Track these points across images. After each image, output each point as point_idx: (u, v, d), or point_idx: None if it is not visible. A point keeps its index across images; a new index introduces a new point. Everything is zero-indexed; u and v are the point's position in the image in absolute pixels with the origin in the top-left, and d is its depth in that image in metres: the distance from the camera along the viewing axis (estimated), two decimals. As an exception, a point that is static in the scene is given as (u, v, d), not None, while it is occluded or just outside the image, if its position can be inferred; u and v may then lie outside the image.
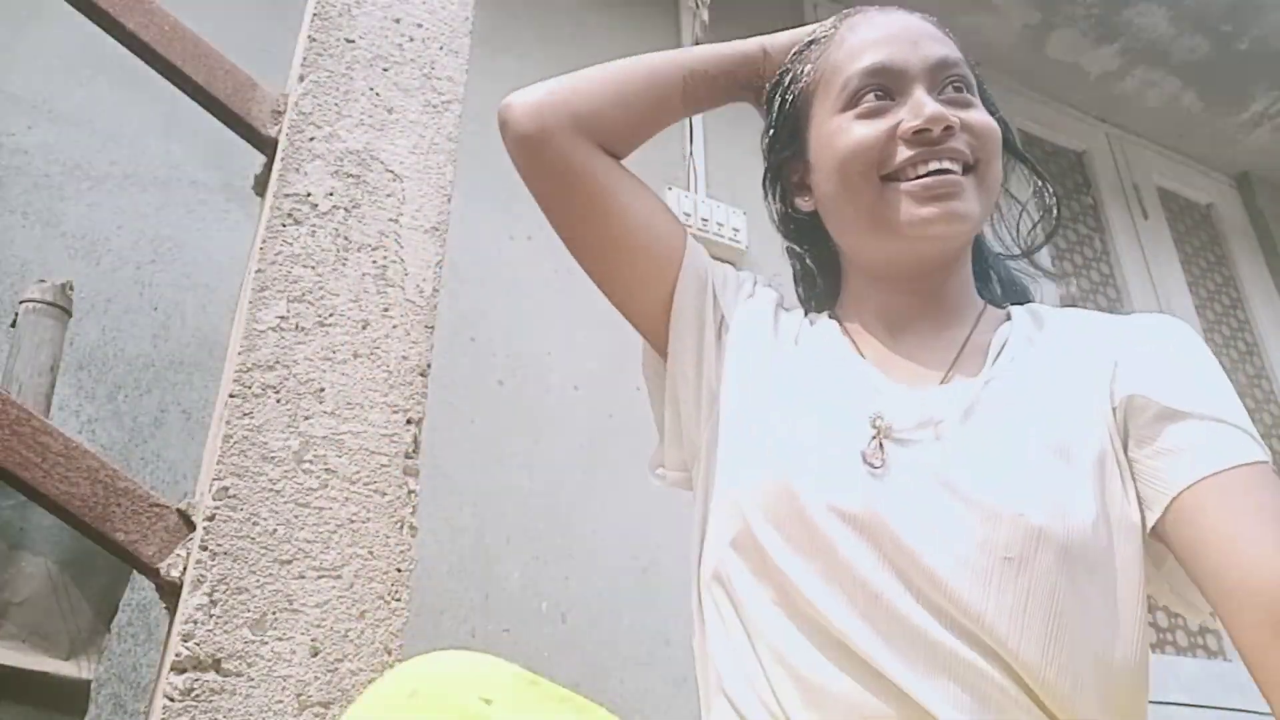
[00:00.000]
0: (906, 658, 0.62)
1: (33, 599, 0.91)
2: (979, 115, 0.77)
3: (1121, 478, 0.68)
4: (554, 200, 0.83)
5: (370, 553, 0.76)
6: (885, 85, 0.77)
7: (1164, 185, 3.18)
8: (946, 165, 0.74)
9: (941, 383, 0.74)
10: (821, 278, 0.89)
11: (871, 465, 0.67)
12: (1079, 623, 0.63)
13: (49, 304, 1.07)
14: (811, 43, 0.85)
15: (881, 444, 0.69)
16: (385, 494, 0.79)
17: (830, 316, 0.85)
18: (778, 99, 0.85)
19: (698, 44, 2.28)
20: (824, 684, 0.63)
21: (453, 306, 1.72)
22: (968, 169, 0.75)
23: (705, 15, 2.26)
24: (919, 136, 0.74)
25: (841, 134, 0.77)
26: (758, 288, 0.85)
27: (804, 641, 0.65)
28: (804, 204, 0.85)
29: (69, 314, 1.11)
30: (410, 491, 0.80)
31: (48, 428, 0.71)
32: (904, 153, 0.74)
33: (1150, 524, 0.67)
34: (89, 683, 0.93)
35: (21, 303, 1.08)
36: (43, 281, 1.10)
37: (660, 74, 0.85)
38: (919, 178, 0.74)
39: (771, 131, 0.86)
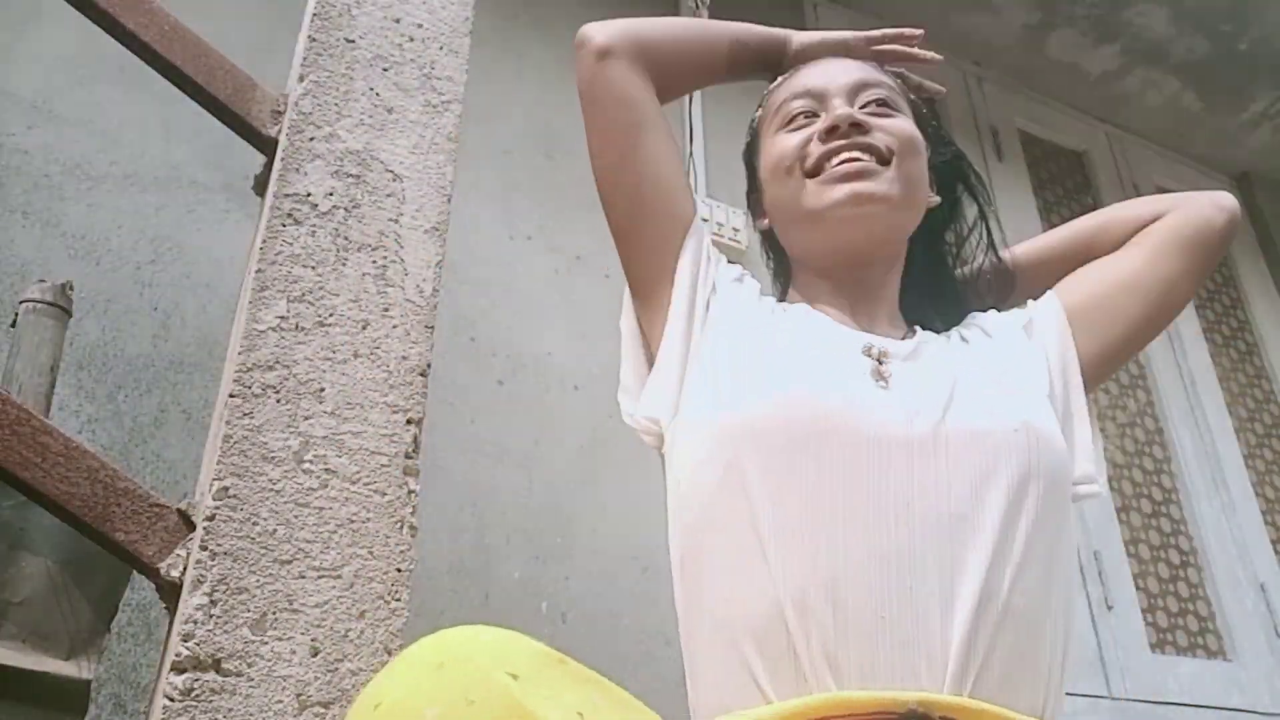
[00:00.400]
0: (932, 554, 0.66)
1: (33, 599, 0.91)
2: (897, 122, 0.85)
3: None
4: (610, 124, 0.91)
5: (370, 553, 0.76)
6: (810, 105, 0.87)
7: (1164, 185, 3.17)
8: (857, 155, 0.82)
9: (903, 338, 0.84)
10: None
11: (882, 379, 0.75)
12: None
13: (49, 304, 1.07)
14: (769, 90, 0.95)
15: (881, 362, 0.77)
16: (385, 494, 0.79)
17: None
18: (745, 142, 0.97)
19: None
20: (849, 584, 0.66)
21: (453, 306, 1.72)
22: (884, 161, 0.82)
23: (705, 16, 2.26)
24: (830, 134, 0.83)
25: (773, 147, 0.88)
26: (738, 269, 0.93)
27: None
28: (760, 225, 0.95)
29: (69, 314, 1.11)
30: (410, 491, 0.80)
31: (48, 428, 0.71)
32: (818, 149, 0.83)
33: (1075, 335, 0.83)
34: (89, 683, 0.93)
35: (21, 303, 1.08)
36: (43, 281, 1.10)
37: (713, 34, 0.95)
38: (833, 167, 0.82)
39: (746, 172, 0.97)
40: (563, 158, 2.08)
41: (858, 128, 0.83)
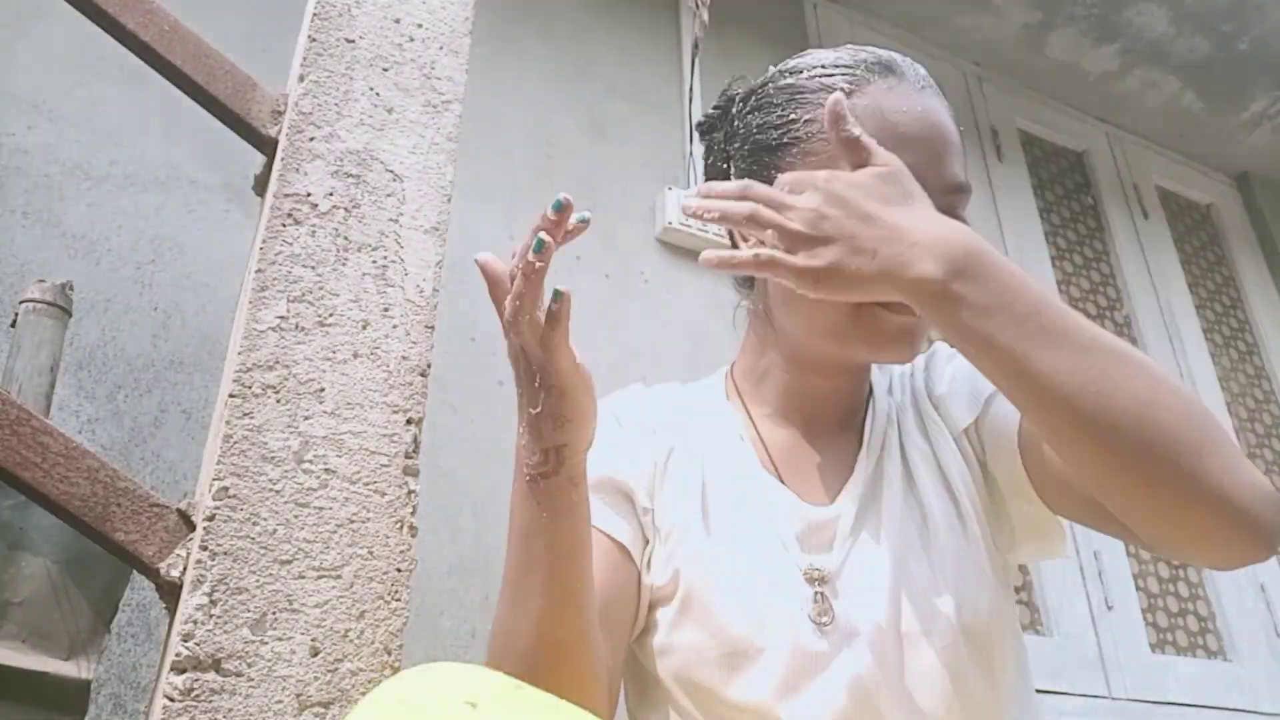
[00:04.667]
0: None
1: (33, 599, 0.91)
2: None
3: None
4: None
5: (370, 553, 0.76)
6: None
7: (1164, 185, 3.18)
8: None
9: (846, 484, 0.79)
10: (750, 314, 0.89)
11: (820, 624, 0.71)
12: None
13: (49, 304, 1.07)
14: (815, 85, 0.78)
15: (821, 590, 0.73)
16: (385, 494, 0.79)
17: (728, 381, 0.88)
18: (749, 113, 0.81)
19: (697, 44, 2.29)
20: None
21: (453, 306, 1.71)
22: None
23: (705, 15, 2.26)
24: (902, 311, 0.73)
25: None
26: (631, 435, 0.82)
27: None
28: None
29: (69, 314, 1.11)
30: (410, 491, 0.80)
31: (48, 428, 0.71)
32: (876, 310, 0.73)
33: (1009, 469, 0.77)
34: (89, 683, 0.93)
35: (21, 303, 1.08)
36: (43, 281, 1.10)
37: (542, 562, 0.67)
38: (893, 311, 0.72)
39: (726, 140, 0.85)
40: (562, 158, 2.08)
41: None
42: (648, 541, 0.78)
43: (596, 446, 0.68)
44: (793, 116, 0.77)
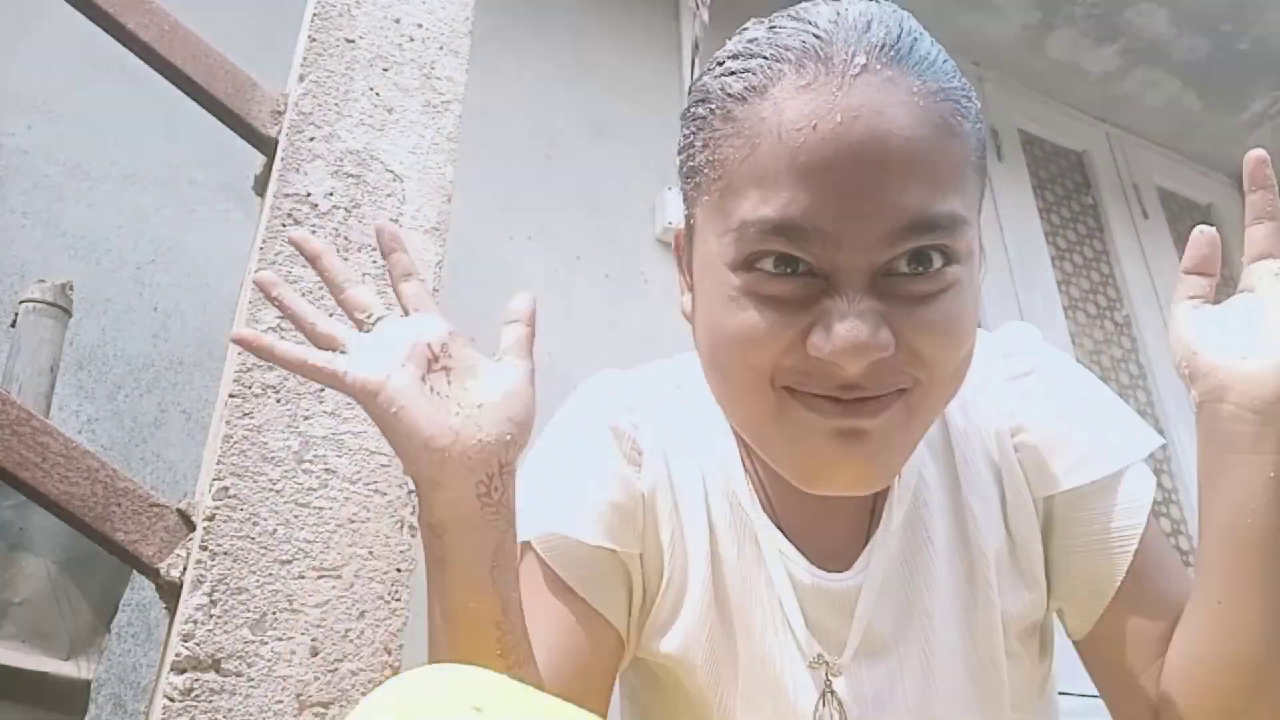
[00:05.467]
0: None
1: (33, 599, 0.91)
2: (938, 310, 0.53)
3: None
4: None
5: (370, 553, 0.76)
6: (795, 246, 0.52)
7: (1164, 185, 3.18)
8: (859, 396, 0.53)
9: (868, 545, 0.66)
10: None
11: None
12: None
13: (49, 304, 1.07)
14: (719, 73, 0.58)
15: (831, 683, 0.64)
16: (385, 494, 0.79)
17: (734, 441, 0.71)
18: (681, 133, 0.62)
19: (697, 44, 2.28)
20: None
21: (453, 306, 1.71)
22: (903, 389, 0.54)
23: (705, 15, 2.25)
24: (826, 368, 0.52)
25: (725, 315, 0.55)
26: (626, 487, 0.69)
27: None
28: (684, 308, 0.65)
29: (69, 314, 1.11)
30: (410, 491, 0.80)
31: (48, 428, 0.71)
32: (809, 369, 0.53)
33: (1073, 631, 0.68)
34: (89, 683, 0.92)
35: (21, 303, 1.08)
36: (43, 281, 1.10)
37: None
38: (827, 397, 0.54)
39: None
40: (562, 158, 2.08)
41: (875, 365, 0.52)
42: (634, 609, 0.70)
43: (595, 504, 0.65)
44: (695, 138, 0.58)
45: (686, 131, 0.60)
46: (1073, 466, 0.65)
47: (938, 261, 0.53)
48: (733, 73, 0.55)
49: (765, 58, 0.54)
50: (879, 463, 0.55)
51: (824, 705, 0.64)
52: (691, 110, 0.59)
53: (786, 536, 0.67)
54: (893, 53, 0.52)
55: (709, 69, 0.59)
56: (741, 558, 0.67)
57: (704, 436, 0.71)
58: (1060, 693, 0.74)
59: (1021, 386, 0.69)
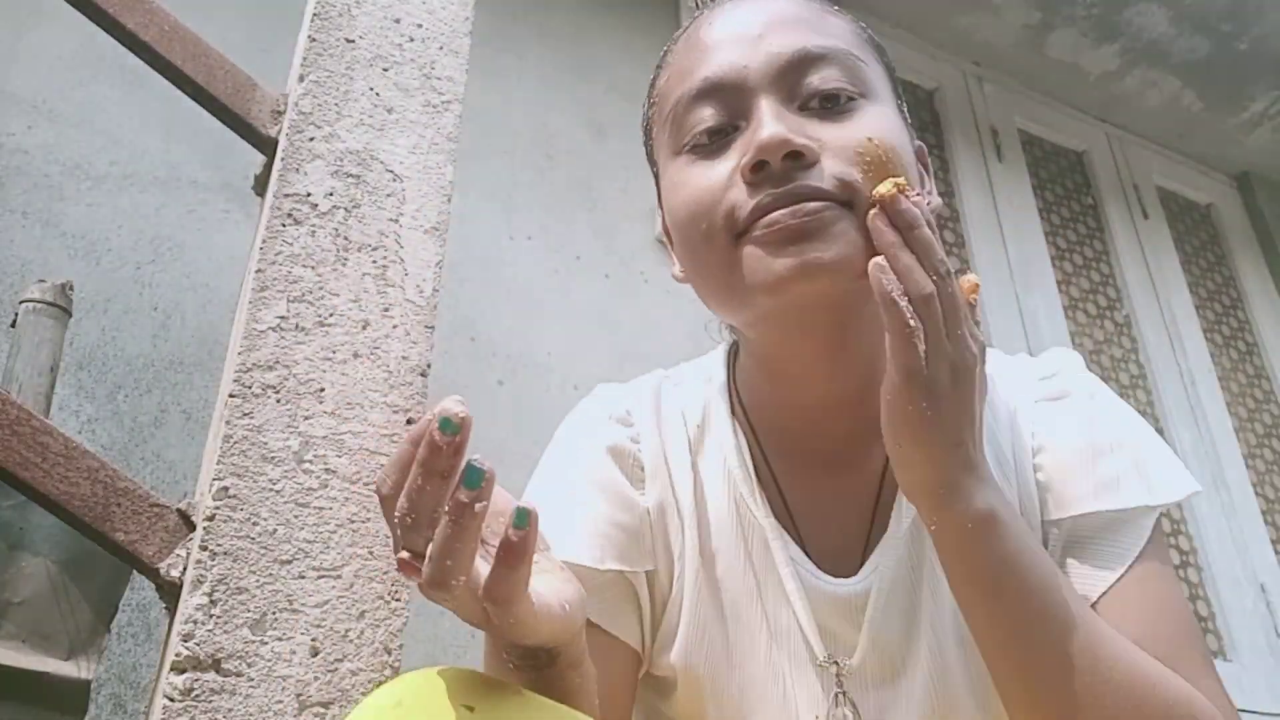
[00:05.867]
0: None
1: (33, 599, 0.91)
2: (854, 128, 0.59)
3: None
4: None
5: (370, 553, 0.76)
6: (720, 109, 0.60)
7: (1164, 185, 3.18)
8: (800, 205, 0.56)
9: (877, 548, 0.67)
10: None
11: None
12: None
13: (49, 304, 1.07)
14: (664, 56, 0.70)
15: (842, 683, 0.64)
16: (385, 494, 0.79)
17: (731, 391, 0.73)
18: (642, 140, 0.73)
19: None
20: None
21: (453, 306, 1.71)
22: (844, 202, 0.57)
23: (705, 15, 2.26)
24: (758, 174, 0.57)
25: (676, 187, 0.62)
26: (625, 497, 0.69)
27: None
28: (676, 272, 0.69)
29: (69, 314, 1.11)
30: (410, 491, 0.80)
31: (48, 428, 0.71)
32: (746, 199, 0.58)
33: None
34: (89, 683, 0.93)
35: (21, 303, 1.08)
36: (43, 281, 1.10)
37: None
38: (772, 226, 0.57)
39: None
40: (563, 158, 2.08)
41: (796, 157, 0.57)
42: (644, 622, 0.70)
43: (597, 513, 0.65)
44: (645, 115, 0.72)
45: (645, 112, 0.71)
46: (1085, 495, 0.65)
47: (844, 97, 0.60)
48: (672, 42, 0.70)
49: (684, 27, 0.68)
50: (830, 268, 0.57)
51: (837, 707, 0.64)
52: (649, 97, 0.71)
53: (794, 537, 0.67)
54: None
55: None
56: (746, 562, 0.67)
57: (706, 439, 0.71)
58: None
59: (1052, 410, 0.69)
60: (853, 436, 0.68)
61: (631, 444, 0.71)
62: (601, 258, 2.01)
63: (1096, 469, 0.65)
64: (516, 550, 0.43)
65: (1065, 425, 0.68)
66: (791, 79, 0.60)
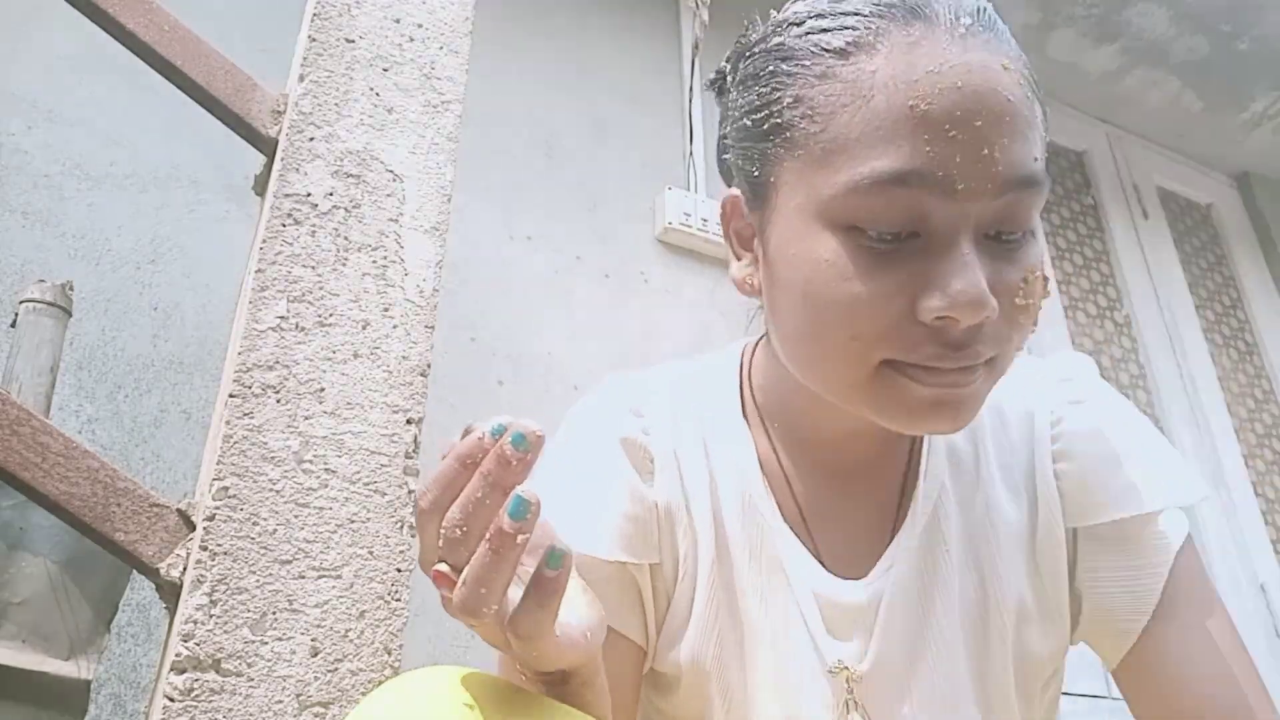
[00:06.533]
0: None
1: (33, 599, 0.91)
2: (1018, 269, 0.54)
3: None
4: None
5: (370, 553, 0.76)
6: (909, 210, 0.52)
7: (1164, 185, 3.18)
8: (963, 362, 0.53)
9: (885, 553, 0.66)
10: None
11: None
12: None
13: (49, 304, 1.07)
14: (804, 29, 0.57)
15: (851, 690, 0.63)
16: (385, 494, 0.79)
17: (745, 392, 0.71)
18: (737, 87, 0.62)
19: (697, 44, 2.29)
20: None
21: (453, 306, 1.71)
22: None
23: (705, 15, 2.26)
24: (939, 321, 0.52)
25: (824, 283, 0.54)
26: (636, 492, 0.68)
27: None
28: (744, 280, 0.63)
29: (69, 314, 1.11)
30: (410, 491, 0.80)
31: (48, 428, 0.71)
32: (917, 344, 0.53)
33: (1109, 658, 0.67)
34: (89, 683, 0.93)
35: (21, 303, 1.08)
36: (43, 281, 1.10)
37: None
38: (927, 367, 0.54)
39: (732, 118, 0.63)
40: (563, 158, 2.08)
41: (985, 322, 0.52)
42: (650, 621, 0.69)
43: (608, 510, 0.64)
44: (776, 95, 0.57)
45: (760, 90, 0.58)
46: (1115, 499, 0.65)
47: (1024, 230, 0.54)
48: (826, 30, 0.55)
49: (865, 14, 0.55)
50: (963, 421, 0.55)
51: (848, 714, 0.63)
52: (767, 69, 0.58)
53: (804, 540, 0.67)
54: (985, 18, 0.55)
55: (778, 29, 0.59)
56: (755, 563, 0.67)
57: (717, 437, 0.70)
58: (1061, 693, 0.74)
59: (1074, 414, 0.68)
60: (877, 449, 0.68)
61: (643, 435, 0.70)
62: (601, 258, 2.01)
63: (1122, 474, 0.65)
64: (547, 588, 0.43)
65: (1089, 430, 0.67)
66: (997, 207, 0.53)
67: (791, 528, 0.67)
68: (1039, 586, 0.67)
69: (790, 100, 0.56)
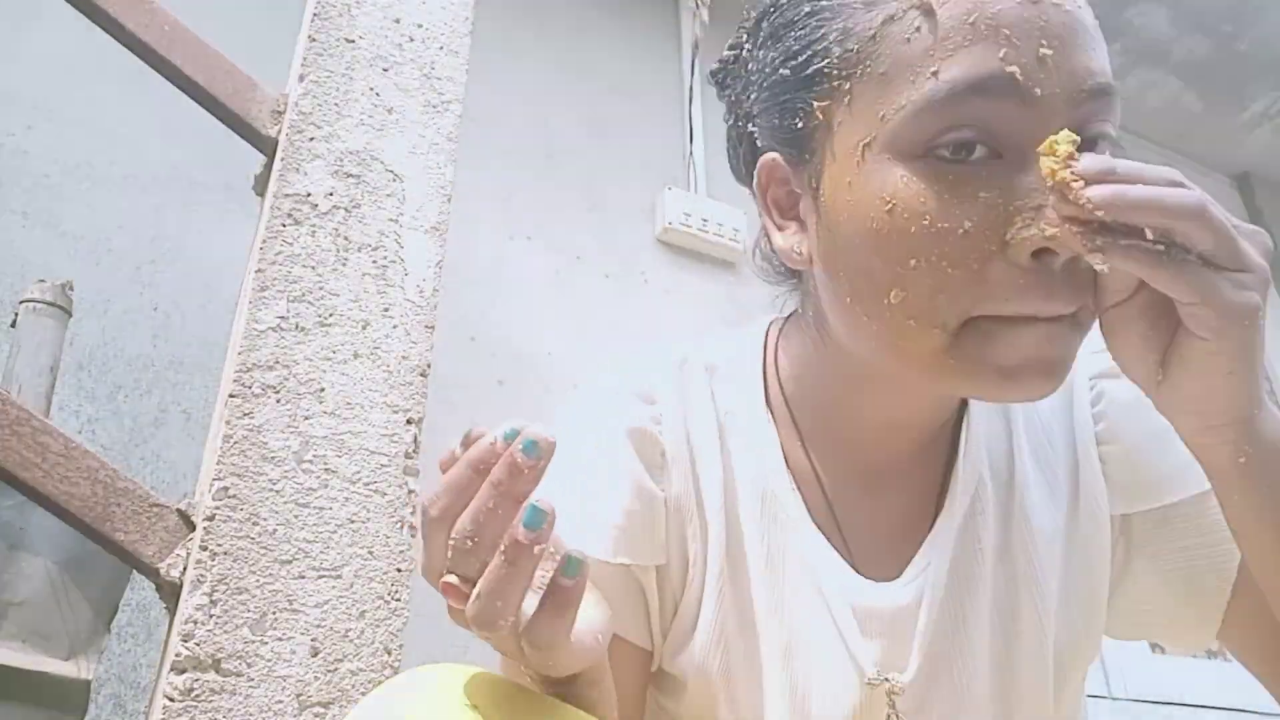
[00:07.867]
0: None
1: (33, 599, 0.91)
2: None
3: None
4: None
5: (370, 553, 0.76)
6: (988, 122, 0.48)
7: (1164, 185, 3.17)
8: (1061, 309, 0.48)
9: (920, 550, 0.62)
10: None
11: None
12: None
13: (49, 304, 1.07)
14: None
15: (894, 702, 0.59)
16: (385, 494, 0.79)
17: (770, 383, 0.66)
18: (764, 45, 0.58)
19: (697, 44, 2.28)
20: None
21: (453, 306, 1.71)
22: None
23: (705, 15, 2.26)
24: (1038, 259, 0.47)
25: (904, 217, 0.48)
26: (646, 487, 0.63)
27: None
28: (791, 250, 0.57)
29: (69, 314, 1.11)
30: (410, 491, 0.80)
31: (48, 428, 0.71)
32: (1019, 287, 0.47)
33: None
34: (89, 683, 0.93)
35: (21, 303, 1.08)
36: (43, 281, 1.10)
37: None
38: (1021, 318, 0.48)
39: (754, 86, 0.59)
40: (563, 158, 2.08)
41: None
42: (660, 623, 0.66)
43: (615, 509, 0.60)
44: (818, 34, 0.53)
45: (798, 34, 0.54)
46: (1167, 479, 0.61)
47: (1108, 125, 0.51)
48: None
49: None
50: (1058, 382, 0.50)
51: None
52: (803, 12, 0.54)
53: (834, 543, 0.62)
54: None
55: None
56: (774, 567, 0.62)
57: (736, 428, 0.65)
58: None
59: (1115, 389, 0.64)
60: (917, 442, 0.63)
61: (654, 425, 0.64)
62: (601, 258, 2.01)
63: (1172, 450, 0.60)
64: (564, 597, 0.42)
65: (1132, 401, 0.61)
66: (1076, 118, 0.49)
67: (820, 528, 0.62)
68: (1072, 581, 0.63)
69: (837, 34, 0.52)
